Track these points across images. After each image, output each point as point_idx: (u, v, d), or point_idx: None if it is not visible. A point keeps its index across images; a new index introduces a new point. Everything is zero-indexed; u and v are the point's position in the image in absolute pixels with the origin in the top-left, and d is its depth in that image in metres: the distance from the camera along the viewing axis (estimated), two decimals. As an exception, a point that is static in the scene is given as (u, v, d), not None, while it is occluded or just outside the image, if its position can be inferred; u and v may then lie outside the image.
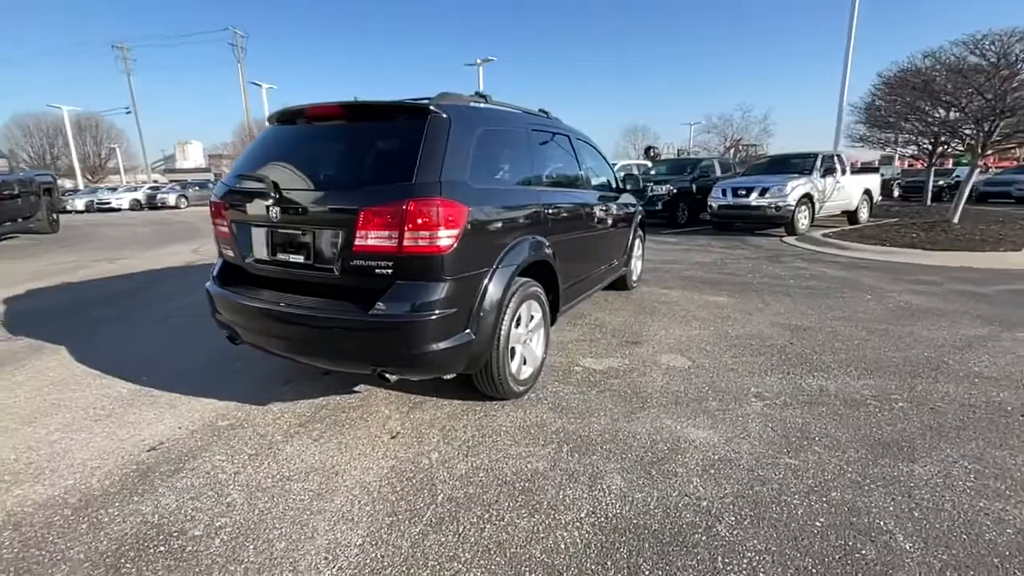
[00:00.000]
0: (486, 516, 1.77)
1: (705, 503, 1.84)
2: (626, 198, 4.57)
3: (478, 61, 25.56)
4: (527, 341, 2.71)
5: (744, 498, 1.86)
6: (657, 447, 2.22)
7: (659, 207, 11.22)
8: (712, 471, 2.04)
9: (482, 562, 1.56)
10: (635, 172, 4.79)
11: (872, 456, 2.13)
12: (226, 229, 2.50)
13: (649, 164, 14.95)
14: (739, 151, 37.35)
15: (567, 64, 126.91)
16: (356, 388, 2.81)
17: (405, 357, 2.09)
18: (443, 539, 1.66)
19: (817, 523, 1.72)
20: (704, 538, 1.66)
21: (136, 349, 3.52)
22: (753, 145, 39.34)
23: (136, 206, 25.46)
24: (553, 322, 3.07)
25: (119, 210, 24.79)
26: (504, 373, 2.44)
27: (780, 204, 9.07)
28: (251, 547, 1.63)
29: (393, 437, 2.32)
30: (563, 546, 1.63)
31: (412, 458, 2.14)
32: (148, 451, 2.20)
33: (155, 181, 37.43)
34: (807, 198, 9.31)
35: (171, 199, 25.83)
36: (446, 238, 2.04)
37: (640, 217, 5.05)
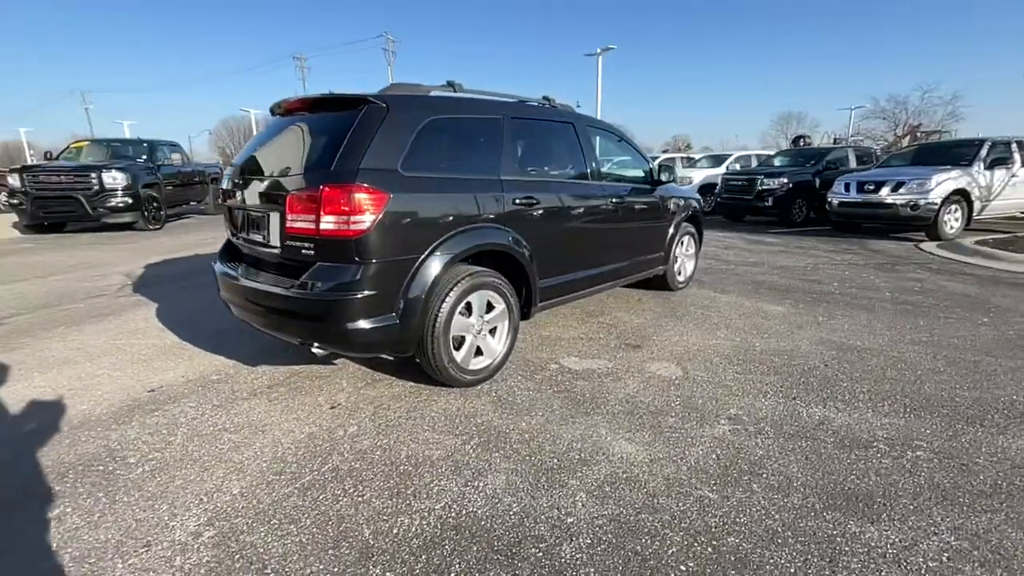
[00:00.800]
0: (350, 491, 1.84)
1: (571, 520, 1.69)
2: (665, 191, 4.19)
3: (598, 50, 24.94)
4: (482, 331, 2.69)
5: (620, 523, 1.67)
6: (569, 455, 2.07)
7: (768, 203, 9.98)
8: (607, 489, 1.85)
9: (314, 529, 1.64)
10: (675, 163, 4.36)
11: (821, 507, 1.74)
12: (225, 212, 2.89)
13: (771, 154, 13.32)
14: (917, 138, 31.11)
15: (716, 46, 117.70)
16: (336, 361, 3.05)
17: (323, 333, 2.24)
18: (299, 503, 1.78)
19: (682, 567, 1.48)
20: (539, 555, 1.53)
21: (197, 311, 4.19)
22: (937, 131, 32.38)
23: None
24: (526, 317, 2.99)
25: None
26: (441, 360, 2.46)
27: (919, 202, 7.45)
28: (157, 480, 1.92)
29: (332, 408, 2.49)
30: (394, 532, 1.63)
31: (332, 428, 2.29)
32: (148, 392, 2.67)
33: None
34: (960, 195, 7.52)
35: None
36: (362, 223, 2.13)
37: (690, 213, 4.59)
